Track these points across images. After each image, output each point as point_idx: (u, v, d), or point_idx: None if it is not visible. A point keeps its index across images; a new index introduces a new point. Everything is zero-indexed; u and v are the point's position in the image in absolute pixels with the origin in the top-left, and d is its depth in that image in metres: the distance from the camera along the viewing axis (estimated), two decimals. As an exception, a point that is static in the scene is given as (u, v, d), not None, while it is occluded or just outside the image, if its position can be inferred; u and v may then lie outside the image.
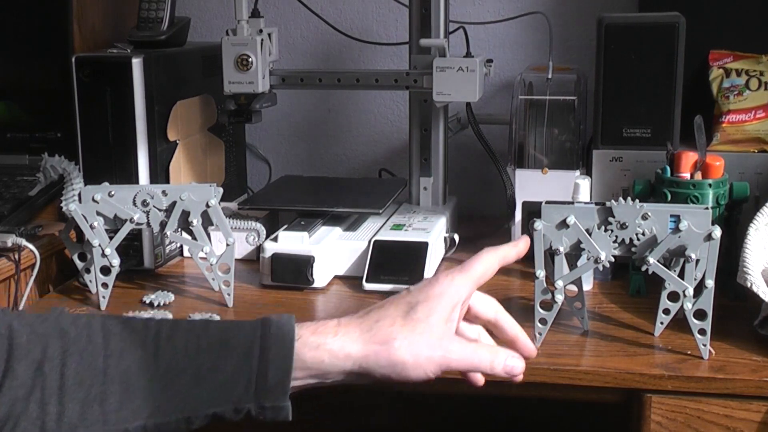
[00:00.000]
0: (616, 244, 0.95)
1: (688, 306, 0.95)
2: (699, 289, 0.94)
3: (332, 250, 1.21)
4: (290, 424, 0.74)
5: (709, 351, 0.95)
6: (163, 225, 1.11)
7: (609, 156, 1.24)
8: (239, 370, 0.71)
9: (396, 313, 0.75)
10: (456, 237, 1.30)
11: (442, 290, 0.77)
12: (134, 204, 1.11)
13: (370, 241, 1.21)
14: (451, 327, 0.77)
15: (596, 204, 0.96)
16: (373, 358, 0.73)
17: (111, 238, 1.11)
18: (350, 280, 1.21)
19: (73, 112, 1.25)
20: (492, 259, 0.81)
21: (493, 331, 0.84)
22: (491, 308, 0.83)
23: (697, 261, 0.93)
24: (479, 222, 1.41)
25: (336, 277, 1.22)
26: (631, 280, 1.15)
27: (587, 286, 1.14)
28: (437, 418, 1.62)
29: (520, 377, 0.79)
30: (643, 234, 0.94)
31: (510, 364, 0.77)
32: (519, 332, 0.83)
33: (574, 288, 1.01)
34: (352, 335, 0.74)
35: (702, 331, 0.95)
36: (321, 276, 1.18)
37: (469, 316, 0.83)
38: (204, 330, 0.73)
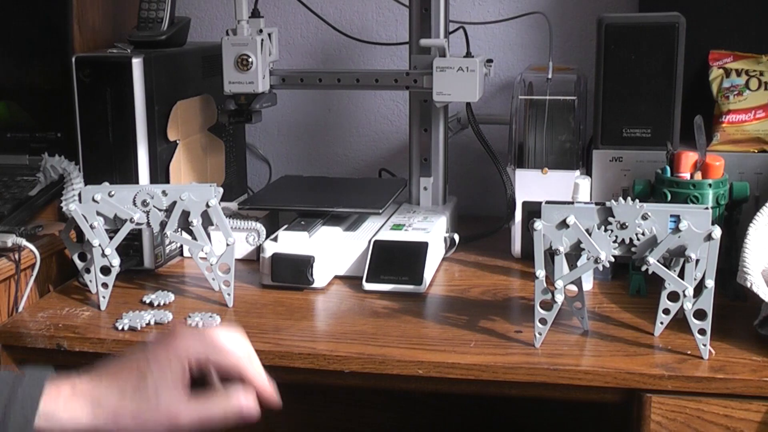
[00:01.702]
0: (616, 244, 0.95)
1: (688, 306, 0.95)
2: (699, 289, 0.95)
3: (332, 250, 1.21)
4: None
5: (709, 351, 0.95)
6: (163, 225, 1.11)
7: (609, 156, 1.24)
8: None
9: (126, 384, 0.78)
10: (456, 237, 1.30)
11: (176, 354, 0.79)
12: (134, 204, 1.11)
13: (370, 241, 1.21)
14: (179, 390, 0.78)
15: (596, 204, 0.96)
16: (102, 428, 0.77)
17: (111, 238, 1.11)
18: (350, 280, 1.21)
19: (73, 112, 1.25)
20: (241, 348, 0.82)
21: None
22: (233, 363, 0.81)
23: (697, 261, 0.93)
24: (479, 222, 1.41)
25: (336, 277, 1.22)
26: (631, 280, 1.15)
27: (587, 286, 1.15)
28: (437, 418, 1.62)
29: (255, 416, 0.80)
30: (643, 234, 0.95)
31: (242, 410, 0.79)
32: (258, 384, 0.82)
33: (574, 288, 1.01)
34: (82, 408, 0.77)
35: (702, 331, 0.95)
36: (321, 276, 1.18)
37: (217, 368, 0.82)
38: None
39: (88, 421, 0.77)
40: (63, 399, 0.77)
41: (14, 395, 0.75)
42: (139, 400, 0.77)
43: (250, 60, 1.26)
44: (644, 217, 0.94)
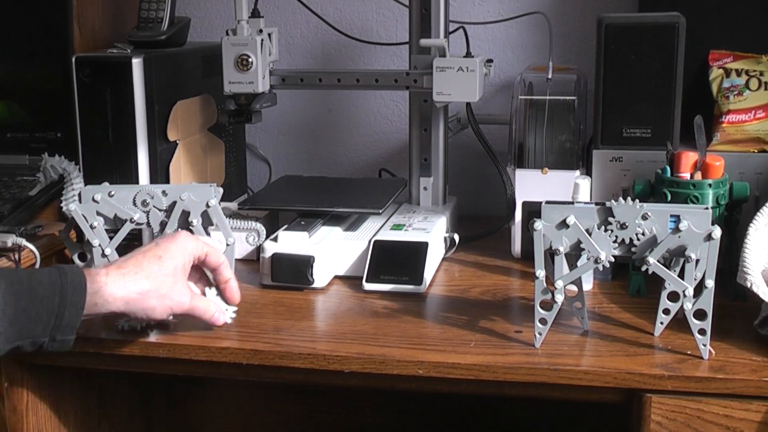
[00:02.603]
0: (616, 244, 0.95)
1: (688, 306, 0.95)
2: (699, 289, 0.95)
3: (332, 250, 1.21)
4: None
5: (709, 351, 0.95)
6: (163, 225, 1.11)
7: (609, 156, 1.24)
8: (42, 314, 0.88)
9: (150, 269, 0.96)
10: (456, 237, 1.30)
11: (183, 248, 0.99)
12: (134, 204, 1.11)
13: (370, 241, 1.21)
14: (185, 280, 1.00)
15: (596, 204, 0.96)
16: (131, 304, 0.94)
17: (111, 238, 1.11)
18: (350, 280, 1.21)
19: (73, 112, 1.25)
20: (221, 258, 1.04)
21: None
22: (220, 264, 1.04)
23: (697, 261, 0.93)
24: (479, 222, 1.40)
25: (336, 277, 1.22)
26: (631, 280, 1.15)
27: (587, 286, 1.15)
28: (437, 418, 1.62)
29: (219, 324, 1.03)
30: (643, 234, 0.95)
31: (216, 317, 1.02)
32: (232, 285, 1.05)
33: (574, 288, 1.01)
34: (115, 295, 0.93)
35: (702, 331, 0.95)
36: (321, 276, 1.18)
37: (208, 265, 1.04)
38: (17, 281, 0.87)
39: (123, 300, 0.93)
40: (101, 287, 0.92)
41: (64, 292, 0.89)
42: (160, 283, 0.96)
43: (250, 60, 1.26)
44: (644, 217, 0.94)
